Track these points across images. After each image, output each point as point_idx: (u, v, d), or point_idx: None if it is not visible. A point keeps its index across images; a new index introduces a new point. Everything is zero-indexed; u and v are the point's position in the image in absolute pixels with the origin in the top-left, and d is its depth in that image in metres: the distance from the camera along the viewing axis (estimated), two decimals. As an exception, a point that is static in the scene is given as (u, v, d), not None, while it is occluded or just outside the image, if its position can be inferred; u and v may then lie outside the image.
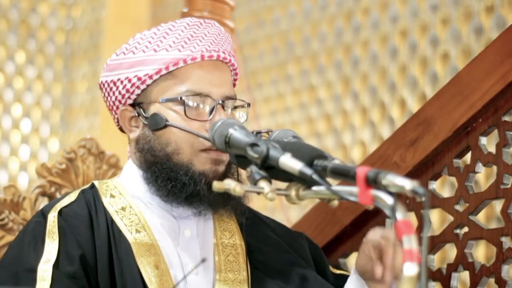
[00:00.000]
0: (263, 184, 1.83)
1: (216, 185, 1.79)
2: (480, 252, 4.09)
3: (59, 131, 6.25)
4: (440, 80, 4.53)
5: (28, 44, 6.17)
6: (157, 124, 2.13)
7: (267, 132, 2.13)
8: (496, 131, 2.43)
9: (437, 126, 2.49)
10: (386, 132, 4.76)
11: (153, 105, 2.15)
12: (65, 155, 2.59)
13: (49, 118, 6.21)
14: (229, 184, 1.79)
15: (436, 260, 2.57)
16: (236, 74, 2.25)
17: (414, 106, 4.64)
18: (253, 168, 1.86)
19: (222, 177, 2.11)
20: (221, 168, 2.13)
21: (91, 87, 6.21)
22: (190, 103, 2.12)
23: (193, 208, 2.13)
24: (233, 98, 2.18)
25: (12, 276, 2.02)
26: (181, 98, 2.12)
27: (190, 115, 2.12)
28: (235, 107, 2.19)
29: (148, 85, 2.15)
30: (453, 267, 2.46)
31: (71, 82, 6.32)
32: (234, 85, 2.25)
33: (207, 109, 2.13)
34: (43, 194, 2.54)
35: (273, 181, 1.87)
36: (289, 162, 1.82)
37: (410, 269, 1.52)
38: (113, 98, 2.19)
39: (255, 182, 1.83)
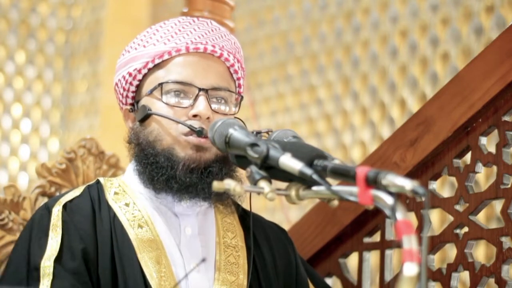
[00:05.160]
0: (263, 184, 1.82)
1: (216, 185, 1.78)
2: (480, 252, 4.09)
3: (59, 131, 6.25)
4: (440, 80, 4.53)
5: (28, 44, 6.17)
6: (141, 114, 2.16)
7: (267, 132, 2.13)
8: (496, 131, 2.42)
9: (437, 126, 2.49)
10: (386, 132, 4.76)
11: (142, 99, 2.18)
12: (65, 155, 2.59)
13: (49, 118, 6.21)
14: (229, 184, 1.78)
15: (436, 260, 2.57)
16: (235, 71, 2.23)
17: (414, 106, 4.64)
18: (253, 168, 1.86)
19: (207, 166, 2.11)
20: (205, 155, 2.11)
21: (91, 87, 6.21)
22: (170, 90, 2.13)
23: (179, 196, 2.12)
24: (222, 88, 2.16)
25: (24, 276, 2.03)
26: (159, 84, 2.14)
27: (170, 102, 2.13)
28: (225, 100, 2.17)
29: (139, 81, 2.19)
30: (453, 267, 2.46)
31: (71, 82, 6.32)
32: (235, 81, 2.23)
33: (189, 97, 2.14)
34: (43, 194, 2.53)
35: (273, 181, 1.86)
36: (289, 162, 1.82)
37: (410, 269, 1.52)
38: (118, 101, 2.24)
39: (255, 182, 1.83)
